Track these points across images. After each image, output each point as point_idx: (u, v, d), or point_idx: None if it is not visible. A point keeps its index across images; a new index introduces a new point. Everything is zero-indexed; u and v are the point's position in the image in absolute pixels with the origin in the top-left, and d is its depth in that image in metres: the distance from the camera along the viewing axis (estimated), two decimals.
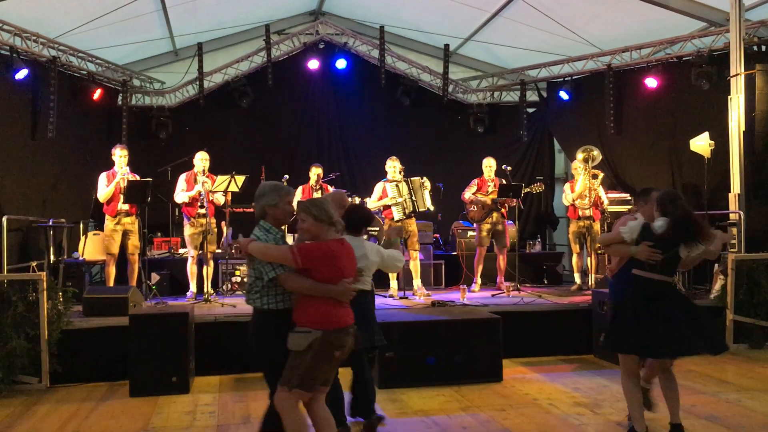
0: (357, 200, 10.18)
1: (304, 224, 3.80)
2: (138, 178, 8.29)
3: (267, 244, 3.77)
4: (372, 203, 8.99)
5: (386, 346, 5.11)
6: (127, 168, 8.21)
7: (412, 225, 8.82)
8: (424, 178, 8.95)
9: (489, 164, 9.44)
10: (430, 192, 8.94)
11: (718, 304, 7.69)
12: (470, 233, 10.56)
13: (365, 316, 4.97)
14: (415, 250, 8.82)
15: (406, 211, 8.67)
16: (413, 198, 8.73)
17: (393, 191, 8.72)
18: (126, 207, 8.11)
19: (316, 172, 9.28)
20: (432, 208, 9.03)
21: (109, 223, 8.13)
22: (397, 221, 8.66)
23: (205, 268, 8.41)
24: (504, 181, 9.45)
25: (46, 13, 9.32)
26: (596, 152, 9.17)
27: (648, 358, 4.68)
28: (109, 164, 8.28)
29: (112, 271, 8.17)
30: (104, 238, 8.23)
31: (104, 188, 8.08)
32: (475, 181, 9.47)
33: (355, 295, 4.77)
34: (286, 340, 3.70)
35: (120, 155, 8.18)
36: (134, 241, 8.19)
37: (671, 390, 4.58)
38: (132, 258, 8.22)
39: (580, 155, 9.16)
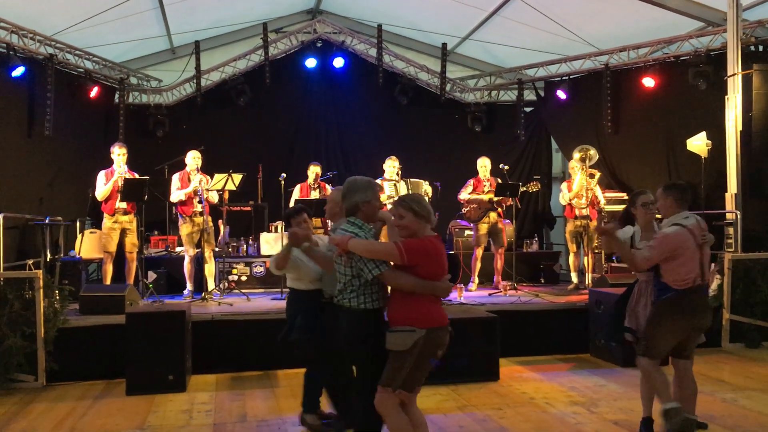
0: None
1: (404, 221, 3.69)
2: (136, 176, 8.27)
3: (371, 241, 3.69)
4: None
5: None
6: (126, 167, 8.19)
7: None
8: (426, 184, 8.93)
9: (484, 164, 9.44)
10: (429, 198, 8.94)
11: (715, 303, 7.69)
12: (467, 232, 10.56)
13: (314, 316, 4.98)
14: None
15: None
16: None
17: (390, 190, 8.72)
18: (124, 205, 8.09)
19: (314, 170, 9.27)
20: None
21: (107, 221, 8.12)
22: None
23: (206, 266, 8.41)
24: (500, 181, 9.45)
25: (43, 10, 9.29)
26: (593, 151, 9.18)
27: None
28: (105, 162, 8.27)
29: (109, 269, 8.16)
30: (102, 236, 8.21)
31: (102, 186, 8.06)
32: (471, 181, 9.47)
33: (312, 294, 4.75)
34: (379, 340, 3.63)
35: (119, 153, 8.16)
36: (132, 239, 8.18)
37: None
38: (130, 256, 8.21)
39: (577, 154, 9.17)
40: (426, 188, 8.91)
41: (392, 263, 3.61)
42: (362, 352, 3.72)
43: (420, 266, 3.58)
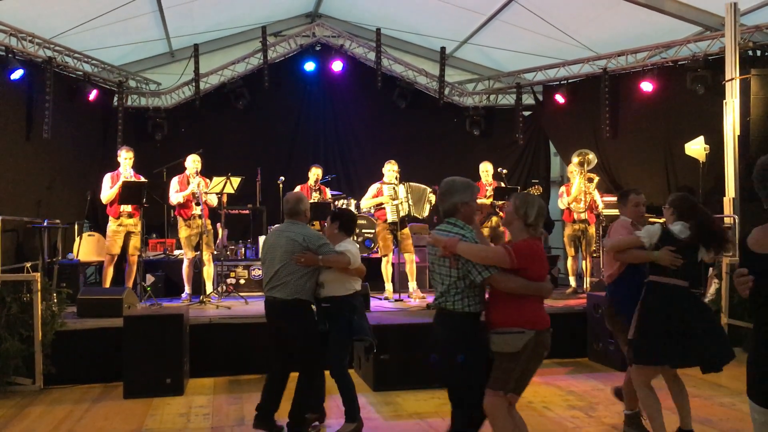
0: (353, 202, 10.20)
1: (507, 209, 3.73)
2: (142, 179, 8.29)
3: (481, 246, 3.67)
4: (365, 201, 8.98)
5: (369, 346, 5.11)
6: (132, 170, 8.21)
7: (405, 229, 8.81)
8: (430, 192, 8.92)
9: (486, 169, 9.45)
10: (431, 206, 8.93)
11: (713, 307, 7.71)
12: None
13: (364, 316, 5.03)
14: (410, 253, 8.81)
15: (401, 213, 8.65)
16: (410, 202, 8.71)
17: (389, 192, 8.72)
18: (129, 209, 8.09)
19: (315, 172, 9.27)
20: (435, 218, 9.01)
21: (111, 224, 8.11)
22: (390, 223, 8.65)
23: (204, 269, 8.40)
24: (503, 184, 9.46)
25: (42, 13, 9.29)
26: (591, 156, 9.19)
27: (675, 367, 4.52)
28: (104, 165, 8.27)
29: (110, 271, 8.15)
30: (107, 238, 8.20)
31: (107, 189, 8.07)
32: None
33: (356, 295, 4.81)
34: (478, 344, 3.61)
35: (125, 157, 8.20)
36: (135, 242, 8.18)
37: (682, 396, 4.52)
38: (132, 259, 8.20)
39: (575, 158, 9.18)
40: (430, 196, 8.88)
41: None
42: (467, 358, 3.63)
43: (528, 269, 3.58)
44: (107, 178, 8.15)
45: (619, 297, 4.72)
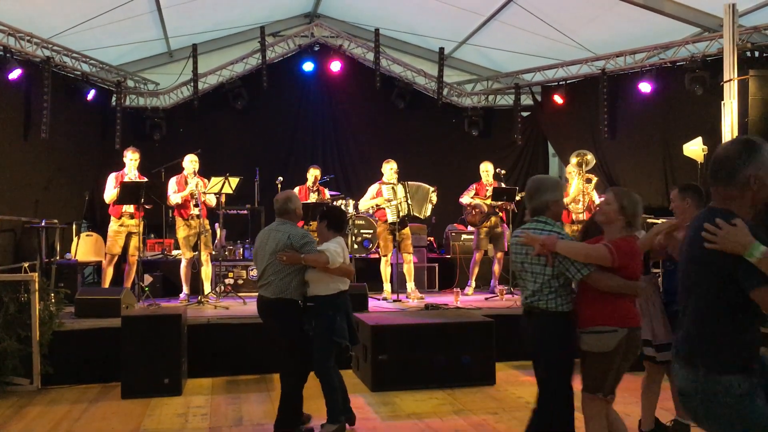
0: (351, 202, 10.19)
1: (609, 207, 3.66)
2: (146, 180, 8.29)
3: (582, 244, 3.66)
4: (364, 202, 8.99)
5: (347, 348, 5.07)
6: (136, 172, 8.22)
7: (405, 228, 8.82)
8: (433, 192, 8.92)
9: (486, 168, 9.45)
10: (432, 205, 8.92)
11: None
12: (464, 236, 10.57)
13: (349, 315, 5.00)
14: (409, 253, 8.81)
15: (400, 214, 8.66)
16: (409, 202, 8.71)
17: (388, 193, 8.72)
18: (131, 209, 8.08)
19: (314, 173, 9.25)
20: (432, 219, 8.99)
21: (113, 224, 8.11)
22: (391, 223, 8.65)
23: (203, 269, 8.39)
24: (503, 185, 9.46)
25: (40, 12, 9.29)
26: (590, 156, 9.19)
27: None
28: (103, 165, 8.32)
29: (109, 271, 8.15)
30: (108, 238, 8.19)
31: (111, 189, 8.07)
32: (473, 185, 9.48)
33: (341, 295, 4.82)
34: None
35: (131, 158, 8.20)
36: (136, 243, 8.18)
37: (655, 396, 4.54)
38: (132, 259, 8.20)
39: (574, 159, 9.18)
40: (432, 196, 8.88)
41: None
42: (560, 358, 3.60)
43: (627, 267, 3.55)
44: (111, 178, 8.14)
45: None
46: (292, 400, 4.86)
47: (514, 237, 3.80)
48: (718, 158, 2.57)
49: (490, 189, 9.32)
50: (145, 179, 8.32)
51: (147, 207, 8.14)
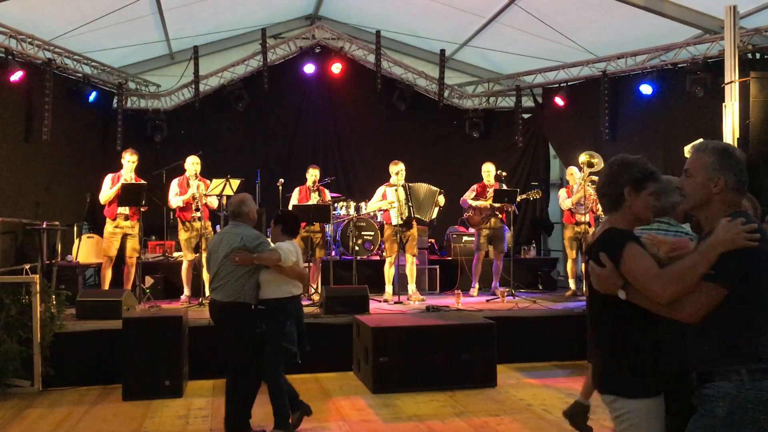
0: (352, 204, 10.20)
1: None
2: (142, 182, 8.28)
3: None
4: (371, 204, 9.06)
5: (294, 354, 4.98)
6: (133, 174, 8.19)
7: (413, 229, 8.81)
8: (441, 196, 8.90)
9: (488, 170, 9.45)
10: (440, 208, 8.89)
11: None
12: (465, 238, 10.57)
13: (300, 321, 4.97)
14: (413, 255, 8.82)
15: (403, 216, 8.66)
16: (410, 204, 8.70)
17: (392, 195, 8.73)
18: (126, 211, 8.07)
19: (313, 173, 9.24)
20: (435, 222, 8.96)
21: (108, 225, 8.10)
22: (396, 226, 8.66)
23: (204, 271, 8.37)
24: (505, 186, 9.46)
25: (42, 15, 9.29)
26: (598, 159, 9.19)
27: None
28: (104, 167, 8.30)
29: (108, 273, 8.14)
30: (104, 240, 8.19)
31: (107, 190, 8.06)
32: (475, 186, 9.48)
33: (293, 300, 4.81)
34: None
35: (129, 160, 8.18)
36: (134, 245, 8.16)
37: None
38: (130, 261, 8.19)
39: (583, 157, 9.18)
40: (439, 199, 8.85)
41: None
42: None
43: None
44: (107, 179, 8.14)
45: None
46: (249, 403, 4.82)
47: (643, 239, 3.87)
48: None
49: (491, 190, 9.32)
50: (142, 181, 8.30)
51: (142, 209, 8.13)
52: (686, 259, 2.44)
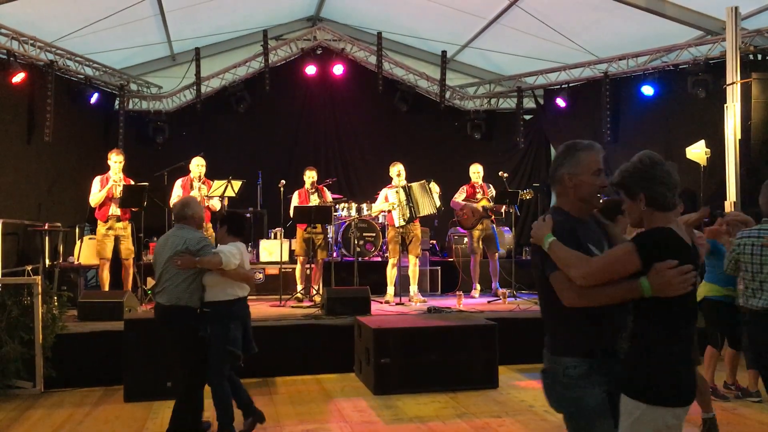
0: (353, 205, 10.19)
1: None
2: (132, 183, 8.25)
3: None
4: (375, 207, 9.10)
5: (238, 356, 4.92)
6: (121, 174, 8.14)
7: (416, 230, 8.80)
8: (431, 183, 8.91)
9: (476, 170, 9.45)
10: (438, 193, 8.83)
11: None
12: (466, 240, 10.56)
13: (246, 324, 4.92)
14: (416, 256, 8.81)
15: (404, 218, 8.66)
16: (410, 204, 8.70)
17: (393, 197, 8.73)
18: (117, 212, 8.03)
19: (310, 175, 9.21)
20: (443, 207, 8.91)
21: (100, 228, 8.07)
22: (399, 227, 8.66)
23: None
24: (507, 188, 9.44)
25: (44, 16, 9.31)
26: None
27: None
28: (106, 168, 8.23)
29: (106, 275, 8.12)
30: (96, 242, 8.18)
31: (96, 193, 8.01)
32: (464, 187, 9.47)
33: (238, 302, 4.78)
34: None
35: (115, 161, 8.10)
36: (127, 246, 8.14)
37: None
38: (126, 263, 8.17)
39: None
40: (431, 188, 8.79)
41: None
42: None
43: None
44: (96, 181, 8.08)
45: None
46: (191, 407, 4.79)
47: (759, 239, 4.00)
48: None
49: (481, 191, 9.32)
50: (131, 181, 8.28)
51: (134, 210, 8.11)
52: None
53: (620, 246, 2.54)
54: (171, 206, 8.46)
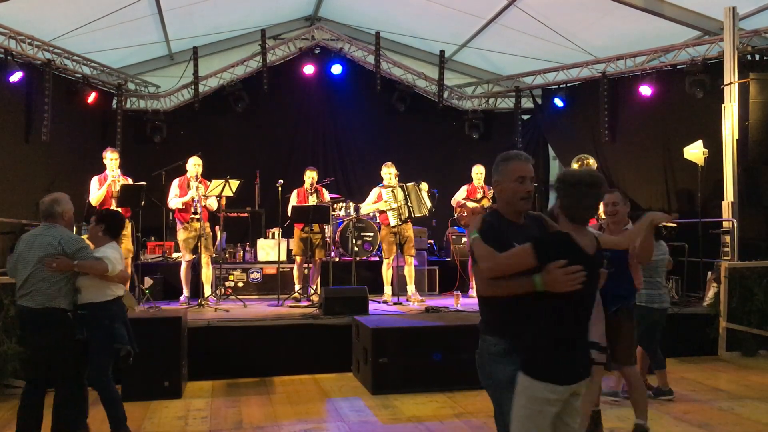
0: (351, 205, 10.18)
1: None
2: (129, 180, 8.25)
3: None
4: (365, 206, 9.02)
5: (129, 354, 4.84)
6: (119, 171, 8.14)
7: (409, 230, 8.81)
8: (422, 183, 8.93)
9: (479, 171, 9.46)
10: (428, 193, 8.87)
11: (712, 311, 7.72)
12: (464, 240, 10.56)
13: (125, 322, 4.86)
14: (411, 256, 8.81)
15: (402, 217, 8.66)
16: (409, 204, 8.71)
17: (389, 196, 8.71)
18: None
19: (310, 175, 9.20)
20: (434, 208, 8.96)
21: None
22: (393, 227, 8.65)
23: (203, 272, 8.37)
24: (492, 191, 9.46)
25: (41, 15, 9.29)
26: (592, 161, 9.16)
27: None
28: (104, 168, 8.22)
29: None
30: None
31: (96, 192, 8.02)
32: (465, 187, 9.49)
33: (117, 301, 4.76)
34: None
35: (111, 158, 8.10)
36: (127, 245, 8.11)
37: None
38: (125, 262, 8.15)
39: (575, 164, 9.17)
40: (421, 187, 8.85)
41: None
42: None
43: None
44: (94, 181, 8.07)
45: None
46: (71, 410, 4.69)
47: None
48: None
49: (482, 192, 9.34)
50: (129, 180, 8.27)
51: (135, 209, 8.10)
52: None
53: (522, 246, 2.82)
54: (167, 206, 8.47)
